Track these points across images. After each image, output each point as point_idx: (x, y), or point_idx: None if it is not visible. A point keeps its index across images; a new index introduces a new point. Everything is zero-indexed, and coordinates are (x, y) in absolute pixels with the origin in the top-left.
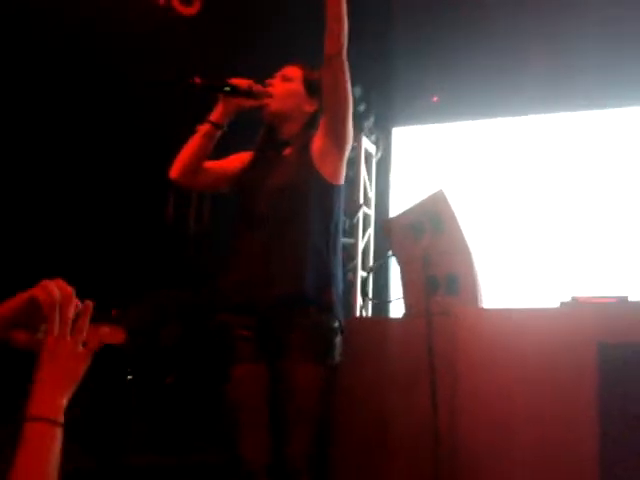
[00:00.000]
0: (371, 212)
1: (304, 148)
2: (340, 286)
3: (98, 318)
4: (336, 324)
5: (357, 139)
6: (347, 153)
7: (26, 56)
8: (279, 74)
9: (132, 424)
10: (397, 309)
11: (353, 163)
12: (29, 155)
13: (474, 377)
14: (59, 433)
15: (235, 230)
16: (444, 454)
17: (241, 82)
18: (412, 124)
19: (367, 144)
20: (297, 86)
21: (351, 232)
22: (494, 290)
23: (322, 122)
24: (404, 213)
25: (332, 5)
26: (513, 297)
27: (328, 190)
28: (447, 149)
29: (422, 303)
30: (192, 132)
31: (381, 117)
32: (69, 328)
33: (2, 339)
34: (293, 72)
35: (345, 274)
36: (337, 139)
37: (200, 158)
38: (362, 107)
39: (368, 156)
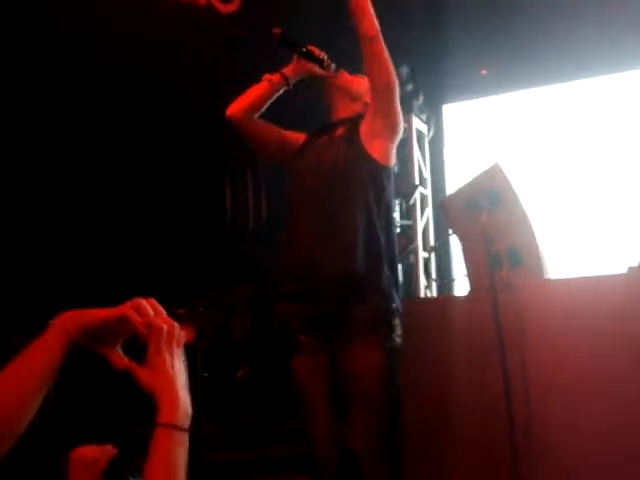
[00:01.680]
0: (428, 192)
1: (354, 131)
2: (396, 266)
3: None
4: (393, 305)
5: (407, 119)
6: (398, 135)
7: (66, 56)
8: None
9: (207, 421)
10: (461, 288)
11: (405, 144)
12: (89, 153)
13: (544, 351)
14: (186, 438)
15: (288, 214)
16: (519, 434)
17: (317, 51)
18: (462, 100)
19: (418, 124)
20: (364, 80)
21: (409, 214)
22: (559, 260)
23: (370, 104)
24: (460, 190)
25: (359, 5)
26: (578, 266)
27: (378, 171)
28: (499, 121)
29: (486, 279)
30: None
31: (430, 95)
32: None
33: (86, 346)
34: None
35: (407, 256)
36: (386, 119)
37: (260, 101)
38: (410, 87)
39: (420, 136)
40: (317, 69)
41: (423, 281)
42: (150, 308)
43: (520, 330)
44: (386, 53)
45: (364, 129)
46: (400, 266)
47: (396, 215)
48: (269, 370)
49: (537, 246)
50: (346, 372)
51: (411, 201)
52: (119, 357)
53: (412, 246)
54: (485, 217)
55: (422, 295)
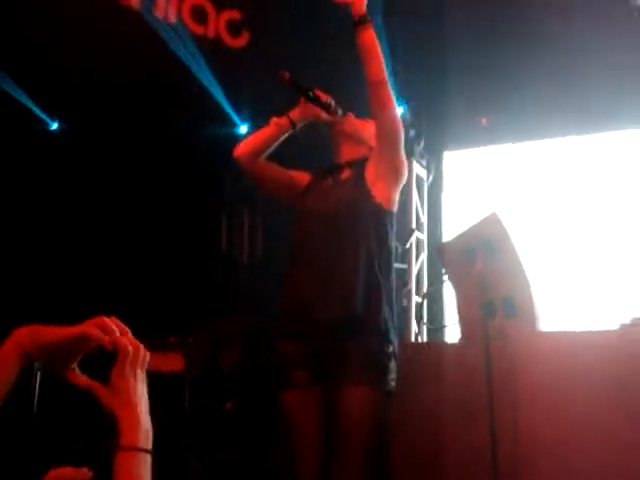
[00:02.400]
0: (424, 237)
1: (359, 175)
2: (394, 310)
3: (157, 346)
4: (390, 348)
5: (408, 164)
6: (403, 180)
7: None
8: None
9: (192, 451)
10: (453, 334)
11: (404, 188)
12: (90, 186)
13: (535, 403)
14: (148, 459)
15: (291, 254)
16: None
17: (324, 96)
18: (462, 147)
19: (418, 169)
20: (371, 124)
21: (404, 257)
22: (552, 312)
23: (375, 149)
24: (458, 237)
25: (367, 49)
26: (569, 319)
27: (382, 215)
28: (499, 171)
29: (479, 328)
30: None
31: (431, 141)
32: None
33: (47, 366)
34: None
35: (399, 300)
36: (391, 164)
37: (266, 144)
38: (412, 132)
39: (419, 181)
40: (324, 114)
41: (414, 326)
42: (115, 327)
43: (511, 382)
44: (392, 98)
45: (369, 173)
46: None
47: None
48: (257, 404)
49: (531, 297)
50: (338, 411)
51: (407, 245)
52: (77, 376)
53: (405, 290)
54: (481, 265)
55: (412, 340)
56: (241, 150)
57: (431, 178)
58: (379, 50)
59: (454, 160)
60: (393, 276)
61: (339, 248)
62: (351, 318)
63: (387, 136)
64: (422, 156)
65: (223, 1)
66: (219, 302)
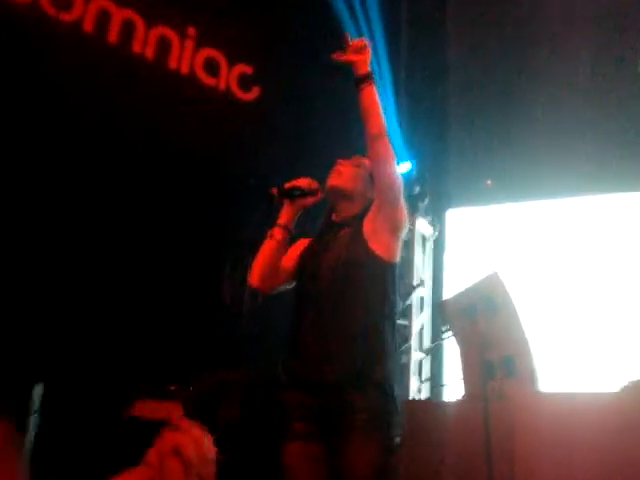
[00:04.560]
0: (426, 293)
1: (357, 230)
2: (397, 365)
3: (156, 393)
4: (393, 404)
5: (412, 221)
6: (403, 232)
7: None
8: (347, 159)
9: None
10: (453, 392)
11: (408, 244)
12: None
13: (532, 462)
14: None
15: (294, 309)
16: None
17: (302, 182)
18: (466, 206)
19: (422, 226)
20: (364, 172)
21: (405, 314)
22: (551, 374)
23: (374, 202)
24: (459, 295)
25: (368, 106)
26: (570, 380)
27: (382, 268)
28: (502, 230)
29: (479, 387)
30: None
31: (435, 200)
32: None
33: None
34: (360, 160)
35: (399, 356)
36: (390, 217)
37: (276, 262)
38: (417, 189)
39: (423, 237)
40: (310, 200)
41: (414, 382)
42: None
43: (509, 441)
44: (392, 152)
45: (367, 227)
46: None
47: None
48: (254, 457)
49: (531, 357)
50: (340, 466)
51: (408, 301)
52: None
53: (406, 346)
54: (482, 324)
55: (411, 397)
56: (257, 282)
57: (435, 235)
58: (379, 106)
59: (457, 218)
60: (395, 330)
61: (340, 306)
62: (353, 374)
63: (387, 190)
64: (426, 213)
65: (237, 55)
66: (219, 351)
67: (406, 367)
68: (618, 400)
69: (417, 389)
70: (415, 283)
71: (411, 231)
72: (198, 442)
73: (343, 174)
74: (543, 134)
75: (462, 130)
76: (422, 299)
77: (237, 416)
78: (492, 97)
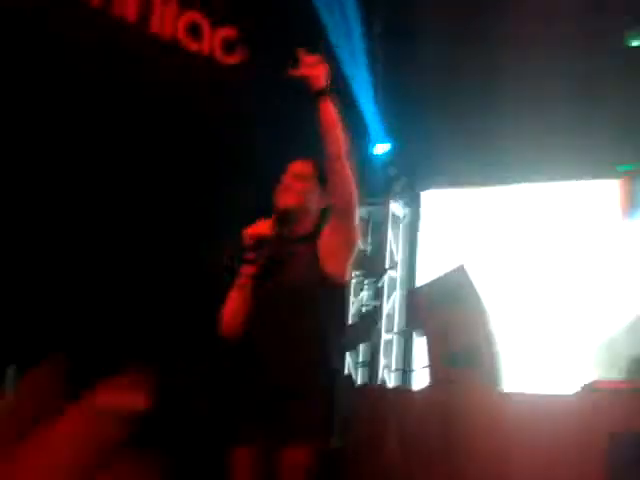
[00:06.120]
0: (397, 275)
1: (313, 251)
2: (341, 375)
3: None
4: (334, 411)
5: (385, 203)
6: (355, 252)
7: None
8: (291, 172)
9: None
10: (421, 377)
11: (380, 226)
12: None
13: (486, 455)
14: None
15: (249, 330)
16: None
17: (261, 230)
18: (442, 188)
19: (395, 208)
20: (311, 185)
21: (377, 295)
22: (513, 370)
23: (330, 221)
24: (426, 286)
25: (326, 122)
26: (536, 377)
27: (335, 290)
28: (476, 213)
29: (442, 375)
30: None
31: (411, 181)
32: None
33: None
34: (305, 169)
35: (370, 337)
36: (344, 236)
37: (242, 309)
38: (391, 170)
39: (395, 219)
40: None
41: (383, 363)
42: None
43: (467, 432)
44: (349, 173)
45: (322, 248)
46: (362, 347)
47: (364, 294)
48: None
49: (495, 351)
50: (276, 467)
51: (380, 283)
52: None
53: (377, 328)
54: (447, 315)
55: (380, 376)
56: (228, 330)
57: (407, 217)
58: (338, 124)
59: (432, 200)
60: (342, 342)
61: (293, 325)
62: (299, 384)
63: (344, 211)
64: (401, 196)
65: (219, 18)
66: (191, 341)
67: (376, 349)
68: (573, 403)
69: (384, 373)
70: (387, 265)
71: (384, 213)
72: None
73: (294, 191)
74: (521, 118)
75: (439, 112)
76: (394, 280)
77: (205, 408)
78: (469, 78)
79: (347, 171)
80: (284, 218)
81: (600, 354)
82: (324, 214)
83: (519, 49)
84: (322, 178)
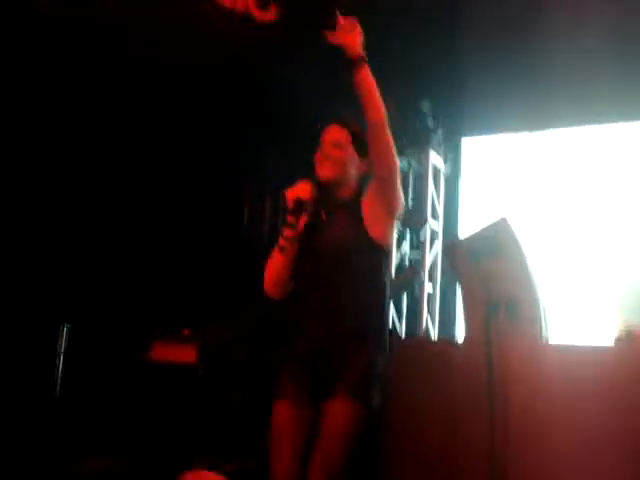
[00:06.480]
0: (439, 227)
1: (355, 211)
2: (387, 337)
3: (171, 337)
4: (377, 371)
5: (425, 153)
6: (398, 217)
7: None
8: (328, 140)
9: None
10: (464, 329)
11: (420, 178)
12: (109, 170)
13: (528, 406)
14: None
15: (293, 292)
16: None
17: (302, 192)
18: (482, 134)
19: (435, 158)
20: (349, 152)
21: (418, 246)
22: (559, 321)
23: (372, 187)
24: (467, 238)
25: (365, 91)
26: (579, 329)
27: (380, 254)
28: (517, 159)
29: (482, 327)
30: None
31: (450, 131)
32: None
33: None
34: (341, 136)
35: (412, 289)
36: (387, 204)
37: (284, 272)
38: (430, 121)
39: (436, 171)
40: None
41: (425, 315)
42: None
43: (507, 384)
44: (391, 140)
45: (366, 213)
46: (405, 298)
47: (406, 246)
48: (260, 400)
49: (537, 304)
50: (319, 421)
51: (420, 236)
52: None
53: (418, 279)
54: (487, 267)
55: (424, 329)
56: (270, 288)
57: (449, 169)
58: (377, 91)
59: (472, 148)
60: (388, 306)
61: (340, 286)
62: (343, 341)
63: (384, 179)
64: (439, 145)
65: None
66: (234, 294)
67: (418, 301)
68: (614, 353)
69: (427, 322)
70: (428, 216)
71: (424, 164)
72: None
73: (333, 160)
74: (561, 59)
75: (474, 59)
76: (436, 233)
77: (249, 359)
78: (508, 24)
79: (388, 138)
80: (325, 188)
81: (626, 299)
82: (365, 179)
83: None
84: (359, 142)
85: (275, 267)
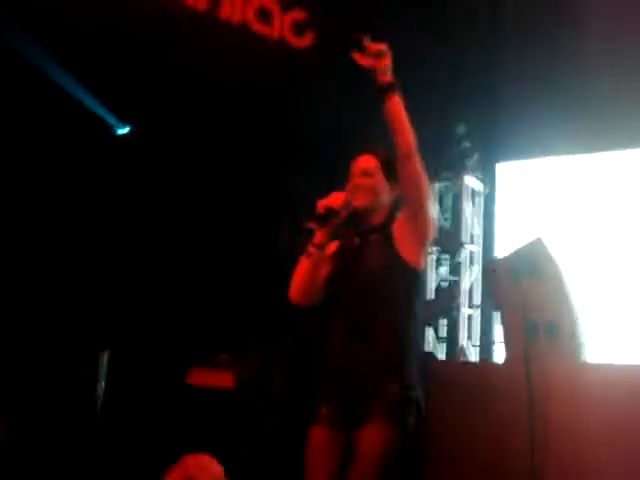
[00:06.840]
0: (477, 249)
1: (388, 235)
2: (417, 361)
3: (209, 362)
4: (412, 396)
5: (460, 177)
6: (430, 240)
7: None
8: (357, 170)
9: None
10: (502, 351)
11: (456, 201)
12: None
13: (568, 426)
14: None
15: (327, 315)
16: None
17: (335, 202)
18: (517, 159)
19: (471, 181)
20: (378, 180)
21: (455, 270)
22: (597, 342)
23: (404, 211)
24: (505, 258)
25: (394, 119)
26: (618, 347)
27: (411, 276)
28: (554, 183)
29: (522, 348)
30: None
31: (485, 154)
32: None
33: None
34: (370, 164)
35: (450, 312)
36: (418, 228)
37: (314, 279)
38: (466, 145)
39: (473, 193)
40: (343, 215)
41: (464, 338)
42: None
43: (547, 405)
44: (420, 167)
45: (397, 237)
46: (445, 321)
47: (443, 270)
48: (298, 424)
49: (576, 325)
50: (353, 447)
51: (457, 259)
52: None
53: (456, 302)
54: (527, 288)
55: (462, 351)
56: (296, 296)
57: (487, 190)
58: (406, 118)
59: (507, 172)
60: (419, 330)
61: (373, 309)
62: (381, 373)
63: (416, 204)
64: (476, 168)
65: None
66: (272, 321)
67: (456, 324)
68: None
69: (467, 344)
70: (465, 239)
71: (459, 188)
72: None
73: (363, 189)
74: (597, 84)
75: (511, 83)
76: (472, 255)
77: (287, 385)
78: (541, 48)
79: (417, 165)
80: (358, 216)
81: None
82: (398, 202)
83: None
84: (388, 168)
85: (300, 273)
